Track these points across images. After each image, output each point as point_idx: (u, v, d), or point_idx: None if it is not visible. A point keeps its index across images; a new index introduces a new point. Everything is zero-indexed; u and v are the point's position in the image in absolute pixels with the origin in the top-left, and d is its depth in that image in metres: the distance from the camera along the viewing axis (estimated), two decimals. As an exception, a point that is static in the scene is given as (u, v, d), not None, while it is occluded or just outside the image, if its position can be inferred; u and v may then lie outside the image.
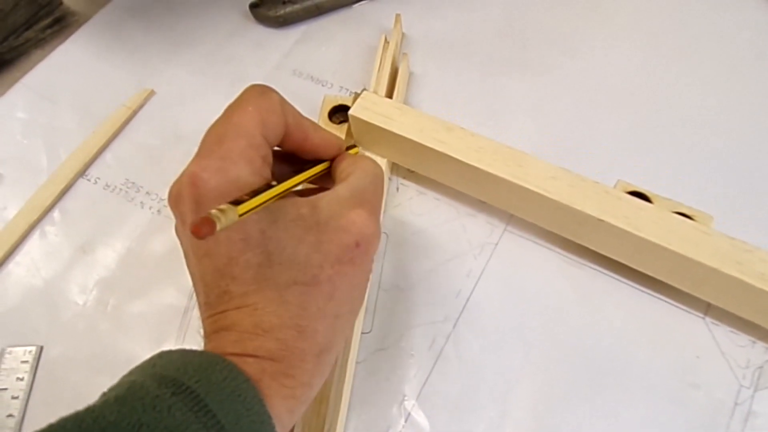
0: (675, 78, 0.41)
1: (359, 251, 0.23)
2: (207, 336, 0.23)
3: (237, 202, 0.20)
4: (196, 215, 0.22)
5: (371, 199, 0.25)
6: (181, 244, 0.25)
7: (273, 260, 0.22)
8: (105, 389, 0.20)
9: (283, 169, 0.26)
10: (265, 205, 0.21)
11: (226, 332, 0.22)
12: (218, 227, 0.18)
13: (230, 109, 0.24)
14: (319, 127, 0.27)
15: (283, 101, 0.25)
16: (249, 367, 0.21)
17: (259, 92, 0.25)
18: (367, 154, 0.35)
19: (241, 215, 0.19)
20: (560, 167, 0.31)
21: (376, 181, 0.26)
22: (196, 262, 0.23)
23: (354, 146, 0.32)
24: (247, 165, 0.22)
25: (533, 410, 0.29)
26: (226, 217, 0.18)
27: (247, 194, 0.21)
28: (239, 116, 0.23)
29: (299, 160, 0.27)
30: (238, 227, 0.22)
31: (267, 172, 0.24)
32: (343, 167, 0.27)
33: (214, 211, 0.18)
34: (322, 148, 0.27)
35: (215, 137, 0.23)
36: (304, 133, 0.26)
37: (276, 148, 0.26)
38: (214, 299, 0.22)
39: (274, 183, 0.23)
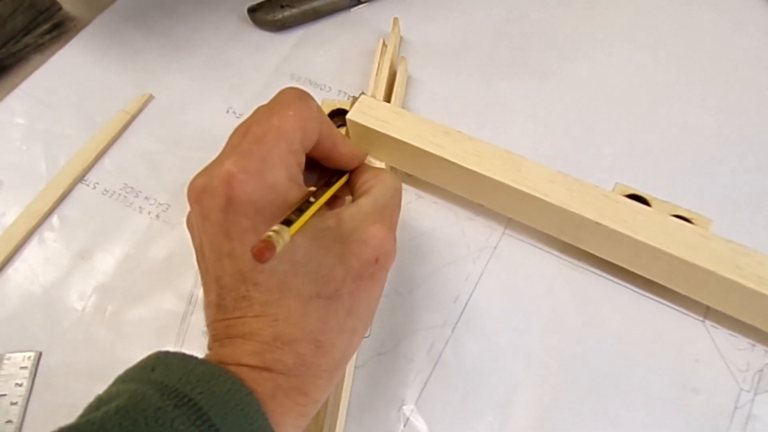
0: (674, 79, 0.41)
1: (378, 267, 0.23)
2: (218, 340, 0.22)
3: (287, 222, 0.20)
4: (224, 214, 0.22)
5: (391, 215, 0.25)
6: (193, 238, 0.24)
7: (298, 270, 0.22)
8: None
9: (305, 175, 0.26)
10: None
11: (242, 340, 0.21)
12: (278, 250, 0.18)
13: (269, 110, 0.24)
14: (346, 138, 0.27)
15: (319, 109, 0.25)
16: (265, 383, 0.20)
17: (299, 97, 0.25)
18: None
19: (291, 236, 0.19)
20: (558, 171, 0.31)
21: (396, 195, 0.26)
22: (214, 261, 0.22)
23: None
24: (285, 171, 0.22)
25: (533, 414, 0.29)
26: (283, 238, 0.19)
27: (293, 212, 0.21)
28: (280, 120, 0.23)
29: (319, 167, 0.27)
30: None
31: (301, 179, 0.24)
32: (364, 179, 0.26)
33: (272, 233, 0.18)
34: (346, 159, 0.27)
35: (254, 137, 0.23)
36: (333, 143, 0.26)
37: None
38: (231, 303, 0.22)
39: (312, 199, 0.23)
